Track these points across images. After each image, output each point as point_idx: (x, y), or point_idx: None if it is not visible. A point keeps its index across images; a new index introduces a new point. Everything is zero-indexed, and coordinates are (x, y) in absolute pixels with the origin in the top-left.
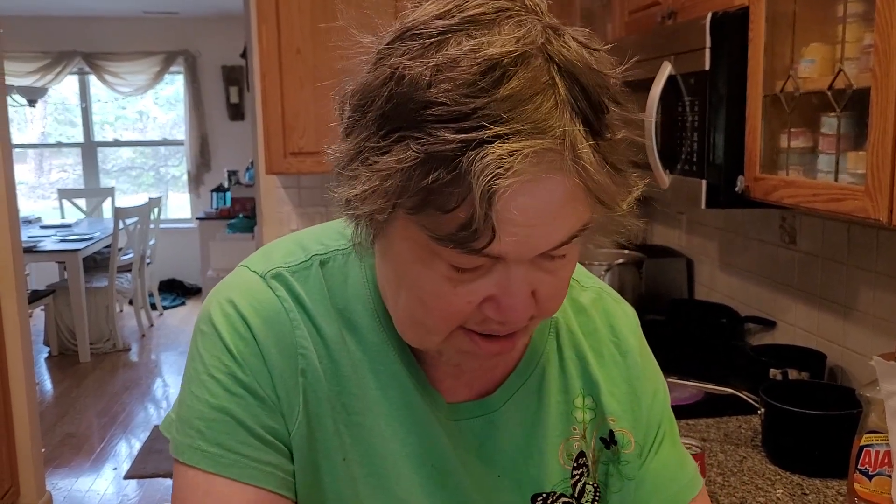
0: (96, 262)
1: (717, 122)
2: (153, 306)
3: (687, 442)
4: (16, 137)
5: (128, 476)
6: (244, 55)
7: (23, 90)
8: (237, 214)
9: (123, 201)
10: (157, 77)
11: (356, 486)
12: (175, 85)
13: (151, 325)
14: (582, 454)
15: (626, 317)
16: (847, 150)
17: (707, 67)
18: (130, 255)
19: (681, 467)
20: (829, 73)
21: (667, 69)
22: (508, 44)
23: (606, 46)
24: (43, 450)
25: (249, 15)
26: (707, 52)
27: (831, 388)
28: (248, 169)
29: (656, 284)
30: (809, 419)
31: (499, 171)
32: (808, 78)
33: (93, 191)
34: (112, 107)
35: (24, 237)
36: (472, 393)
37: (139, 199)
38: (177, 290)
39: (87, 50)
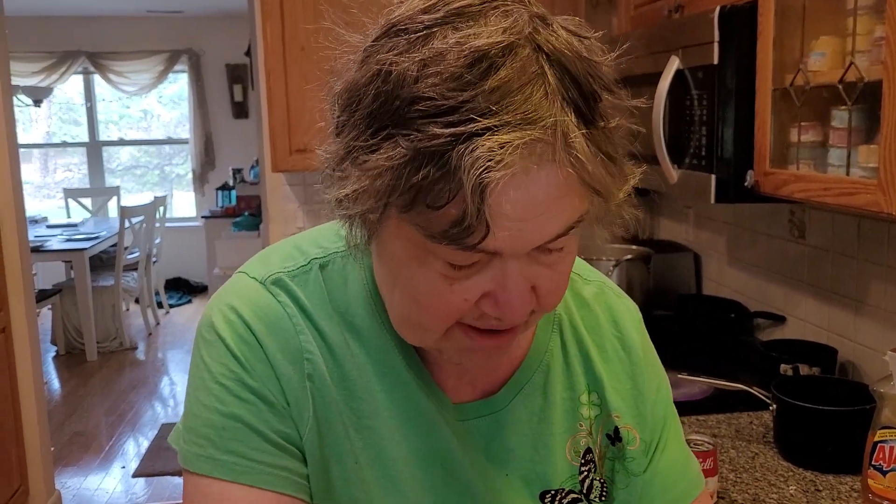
0: (102, 261)
1: (726, 117)
2: (159, 305)
3: (698, 438)
4: (21, 137)
5: (136, 474)
6: (248, 53)
7: (28, 90)
8: (242, 212)
9: (128, 200)
10: (162, 76)
11: (368, 490)
12: (179, 83)
13: (158, 324)
14: (589, 450)
15: (629, 312)
16: (858, 144)
17: (715, 61)
18: (136, 254)
19: (687, 466)
20: (840, 66)
21: (674, 63)
22: (495, 35)
23: (597, 34)
24: (52, 449)
25: (254, 12)
26: (715, 46)
27: (843, 383)
28: (252, 167)
29: (664, 280)
30: (822, 415)
31: (489, 164)
32: (819, 71)
33: (98, 190)
34: (116, 106)
35: (30, 237)
36: (476, 392)
37: (144, 197)
38: (183, 289)
39: (91, 49)
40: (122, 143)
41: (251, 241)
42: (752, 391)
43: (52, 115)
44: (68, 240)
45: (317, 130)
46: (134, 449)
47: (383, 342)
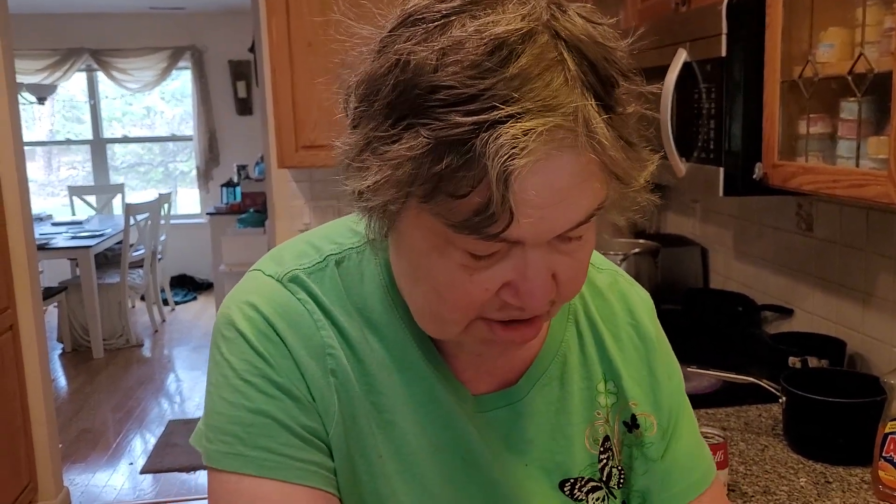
0: (108, 259)
1: (734, 109)
2: (165, 302)
3: (709, 431)
4: (25, 135)
5: (144, 471)
6: (252, 49)
7: (31, 88)
8: (248, 209)
9: (133, 197)
10: (165, 73)
11: (392, 483)
12: (182, 80)
13: (164, 321)
14: (607, 438)
15: (643, 300)
16: (868, 136)
17: (723, 54)
18: (142, 251)
19: (701, 452)
20: (849, 57)
21: (682, 56)
22: (514, 22)
23: (610, 20)
24: (59, 446)
25: (258, 8)
26: (723, 39)
27: (852, 375)
28: (257, 163)
29: (672, 274)
30: (832, 407)
31: (514, 150)
32: (827, 63)
33: (103, 187)
34: (120, 103)
35: (35, 235)
36: (494, 383)
37: (148, 195)
38: (188, 286)
39: (94, 46)
40: (126, 140)
41: (257, 237)
42: (761, 384)
43: (56, 112)
44: (73, 237)
45: (323, 126)
46: (141, 445)
47: (401, 336)
